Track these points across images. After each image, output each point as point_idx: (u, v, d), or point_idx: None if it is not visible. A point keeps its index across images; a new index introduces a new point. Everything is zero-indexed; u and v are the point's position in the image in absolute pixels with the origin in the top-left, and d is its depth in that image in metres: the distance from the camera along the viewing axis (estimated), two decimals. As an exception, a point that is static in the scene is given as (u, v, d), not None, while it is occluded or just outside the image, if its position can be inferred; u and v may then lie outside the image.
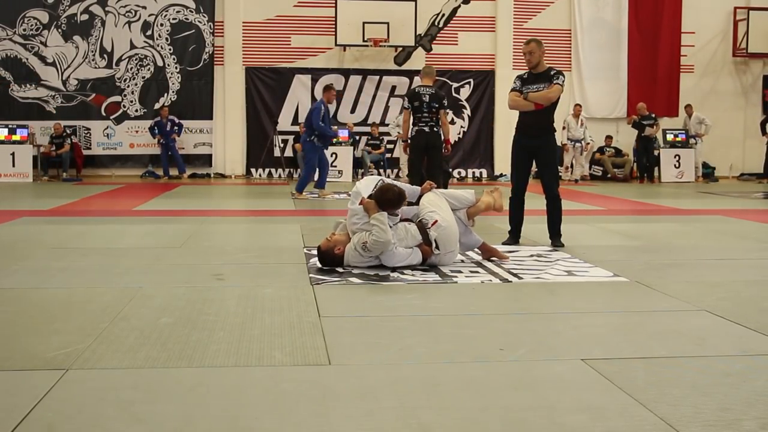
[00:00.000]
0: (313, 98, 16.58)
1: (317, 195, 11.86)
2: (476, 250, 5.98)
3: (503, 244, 6.58)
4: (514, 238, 6.71)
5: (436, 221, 5.39)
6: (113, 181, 15.40)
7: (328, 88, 11.87)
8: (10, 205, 10.01)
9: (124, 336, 3.61)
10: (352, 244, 5.29)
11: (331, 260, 5.35)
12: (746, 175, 17.78)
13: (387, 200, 5.29)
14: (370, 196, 5.37)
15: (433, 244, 5.37)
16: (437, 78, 16.95)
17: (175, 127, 16.02)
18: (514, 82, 6.68)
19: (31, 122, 15.82)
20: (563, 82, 6.50)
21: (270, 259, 5.89)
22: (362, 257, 5.28)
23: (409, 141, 9.07)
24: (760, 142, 17.44)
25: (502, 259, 5.84)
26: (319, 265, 5.43)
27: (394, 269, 5.30)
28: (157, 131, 15.89)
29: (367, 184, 5.58)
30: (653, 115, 16.25)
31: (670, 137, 16.65)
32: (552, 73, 6.50)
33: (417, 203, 5.68)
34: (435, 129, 8.95)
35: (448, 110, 9.09)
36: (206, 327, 3.78)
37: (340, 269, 5.34)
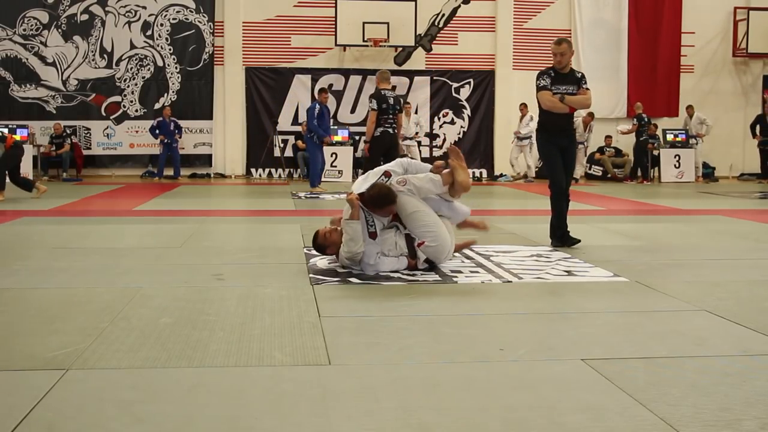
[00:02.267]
0: (313, 98, 16.59)
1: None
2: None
3: (554, 247, 6.43)
4: (565, 239, 6.49)
5: (423, 242, 5.27)
6: (113, 181, 15.40)
7: (321, 91, 13.07)
8: (10, 205, 10.01)
9: (124, 336, 3.61)
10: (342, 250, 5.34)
11: (319, 249, 5.49)
12: (746, 175, 17.78)
13: (370, 197, 5.18)
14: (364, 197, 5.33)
15: (420, 259, 5.33)
16: (438, 78, 17.07)
17: (176, 128, 16.02)
18: (544, 80, 6.48)
19: (31, 122, 15.83)
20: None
21: (270, 259, 5.89)
22: (347, 263, 5.34)
23: (370, 141, 9.72)
24: (760, 142, 17.44)
25: (482, 230, 5.88)
26: (315, 252, 5.60)
27: (393, 270, 5.31)
28: (159, 131, 15.86)
29: (366, 179, 5.49)
30: (641, 115, 16.37)
31: (670, 137, 16.65)
32: (579, 75, 6.57)
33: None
34: (396, 131, 9.73)
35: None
36: (206, 327, 3.78)
37: (340, 269, 5.35)
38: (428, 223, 5.30)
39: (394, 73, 16.86)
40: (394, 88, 10.15)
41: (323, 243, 5.42)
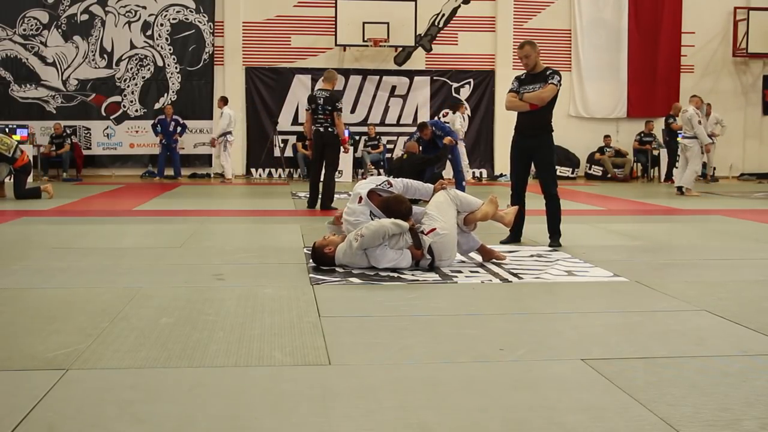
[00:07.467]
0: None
1: None
2: (475, 251, 5.98)
3: (502, 243, 6.59)
4: (514, 236, 6.74)
5: (434, 229, 5.36)
6: (113, 181, 15.40)
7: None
8: (10, 205, 10.01)
9: (124, 336, 3.61)
10: (347, 240, 5.32)
11: (320, 259, 5.42)
12: (746, 175, 17.77)
13: (397, 211, 5.44)
14: (382, 198, 5.55)
15: (425, 249, 5.36)
16: (438, 78, 17.07)
17: (178, 128, 16.01)
18: (512, 84, 6.80)
19: (31, 122, 15.83)
20: (558, 81, 6.55)
21: (270, 259, 5.89)
22: (352, 255, 5.29)
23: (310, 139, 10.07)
24: (761, 142, 17.38)
25: (500, 260, 5.83)
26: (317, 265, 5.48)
27: (393, 269, 5.31)
28: (159, 129, 15.87)
29: (368, 184, 5.69)
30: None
31: (670, 137, 16.63)
32: (548, 73, 6.56)
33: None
34: (330, 129, 9.69)
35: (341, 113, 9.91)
36: (206, 327, 3.78)
37: (340, 269, 5.34)
38: (439, 216, 5.46)
39: (394, 73, 16.94)
40: (331, 90, 9.88)
41: (322, 245, 5.41)
